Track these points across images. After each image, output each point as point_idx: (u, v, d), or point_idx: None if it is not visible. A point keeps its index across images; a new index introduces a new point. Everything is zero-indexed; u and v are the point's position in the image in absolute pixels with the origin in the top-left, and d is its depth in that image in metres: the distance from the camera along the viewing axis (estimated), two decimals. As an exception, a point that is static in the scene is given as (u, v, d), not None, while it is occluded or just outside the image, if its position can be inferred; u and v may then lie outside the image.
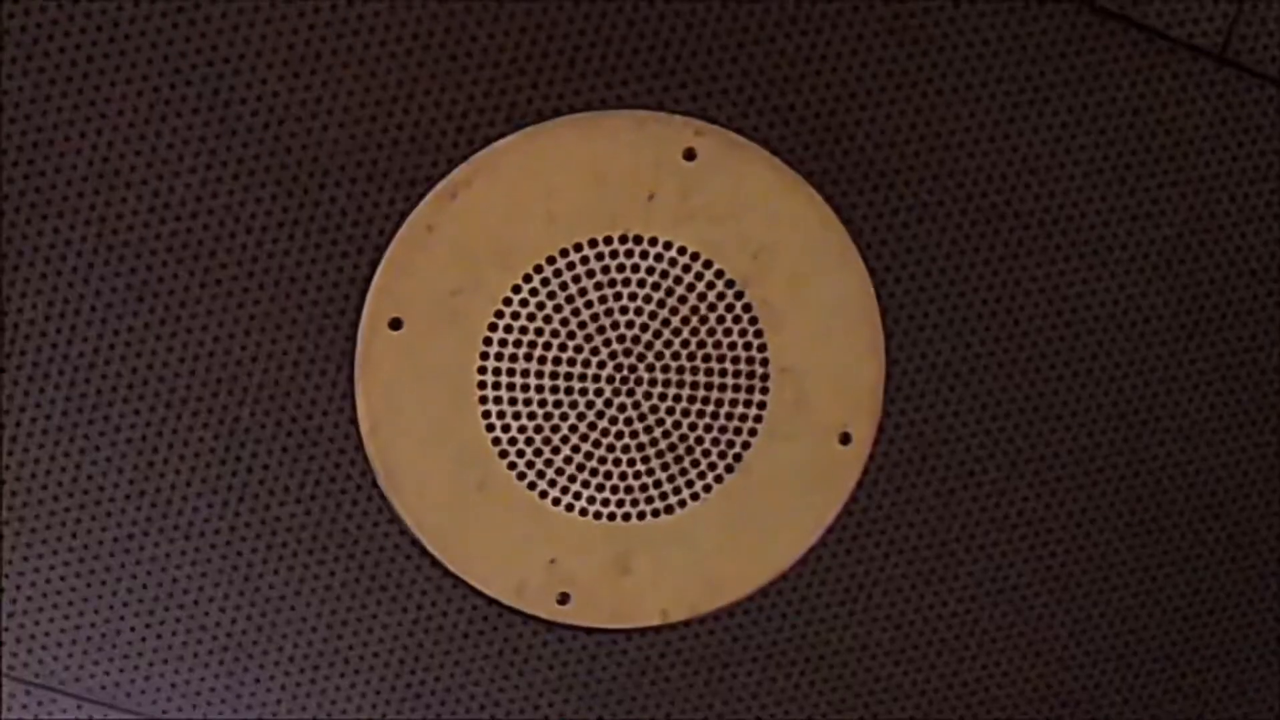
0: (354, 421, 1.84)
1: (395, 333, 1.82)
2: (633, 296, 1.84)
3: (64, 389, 1.79)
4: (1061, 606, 2.00)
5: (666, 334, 1.85)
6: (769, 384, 1.87)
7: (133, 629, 1.87)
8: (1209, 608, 2.02)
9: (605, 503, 1.88)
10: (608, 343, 1.85)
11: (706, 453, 1.88)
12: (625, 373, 1.86)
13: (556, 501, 1.87)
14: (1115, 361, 1.93)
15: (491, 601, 1.90)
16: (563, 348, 1.84)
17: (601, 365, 1.85)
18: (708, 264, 1.84)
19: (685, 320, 1.85)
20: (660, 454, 1.88)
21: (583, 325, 1.84)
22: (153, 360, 1.80)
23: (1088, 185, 1.89)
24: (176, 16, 1.72)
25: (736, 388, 1.87)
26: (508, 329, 1.83)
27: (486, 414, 1.85)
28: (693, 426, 1.87)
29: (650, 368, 1.86)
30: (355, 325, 1.82)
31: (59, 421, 1.80)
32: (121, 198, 1.76)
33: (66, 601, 1.85)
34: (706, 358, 1.86)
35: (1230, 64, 1.88)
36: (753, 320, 1.86)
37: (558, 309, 1.83)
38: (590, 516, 1.88)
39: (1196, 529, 2.00)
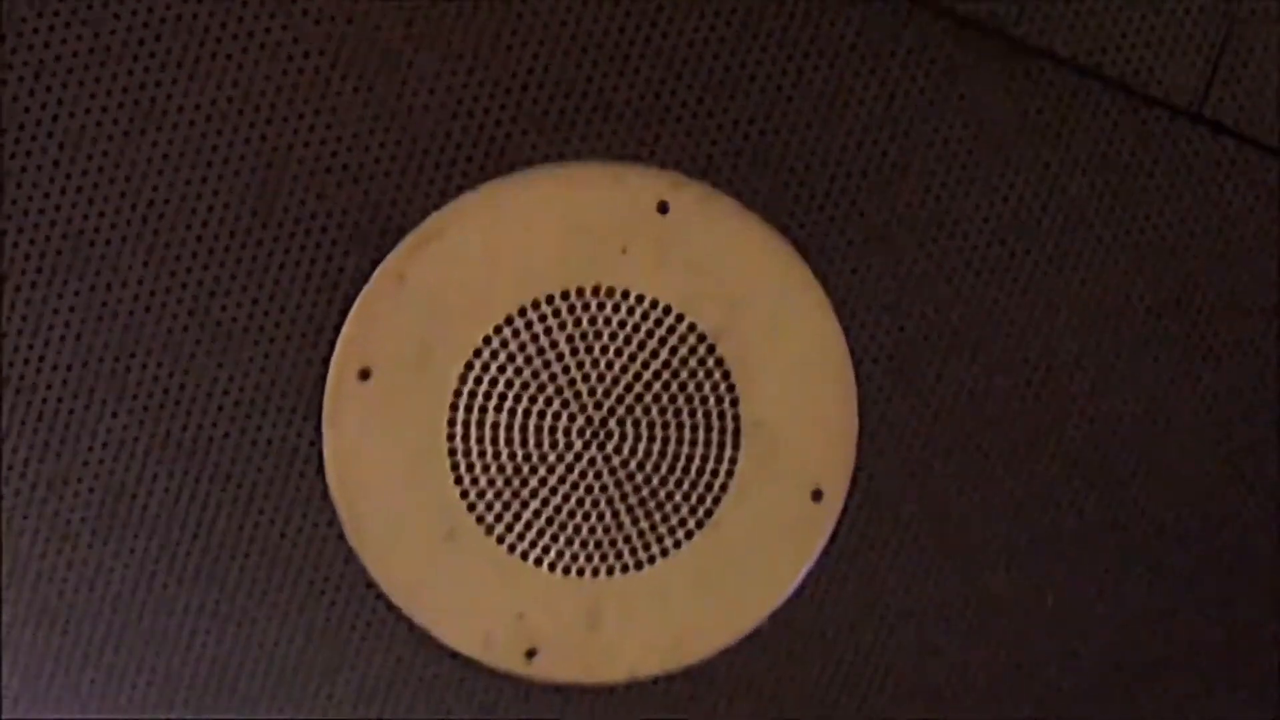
0: (320, 472, 1.82)
1: (364, 383, 1.80)
2: (605, 349, 1.82)
3: (27, 438, 1.77)
4: (1038, 667, 1.98)
5: (638, 387, 1.84)
6: (741, 439, 1.86)
7: (92, 681, 1.84)
8: (1199, 674, 2.01)
9: (574, 557, 1.86)
10: (579, 395, 1.83)
11: (677, 508, 1.86)
12: (596, 426, 1.84)
13: (525, 555, 1.85)
14: (1091, 418, 1.92)
15: (457, 655, 1.87)
16: (533, 400, 1.82)
17: (572, 418, 1.83)
18: (680, 317, 1.83)
19: (657, 374, 1.84)
20: (630, 508, 1.86)
21: (554, 377, 1.82)
22: (118, 407, 1.78)
23: (1064, 241, 1.88)
24: (149, 60, 1.71)
25: (708, 442, 1.86)
26: (478, 380, 1.81)
27: (455, 466, 1.83)
28: (663, 481, 1.86)
29: (621, 421, 1.84)
30: (323, 375, 1.80)
31: (19, 469, 1.77)
32: (89, 241, 1.74)
33: (28, 646, 1.82)
34: (678, 412, 1.85)
35: (1205, 122, 1.87)
36: (725, 374, 1.84)
37: (529, 361, 1.81)
38: (559, 571, 1.86)
39: (1186, 583, 1.98)
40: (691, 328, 1.83)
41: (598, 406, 1.83)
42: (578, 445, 1.84)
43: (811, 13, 1.79)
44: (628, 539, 1.86)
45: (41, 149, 1.71)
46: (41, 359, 1.76)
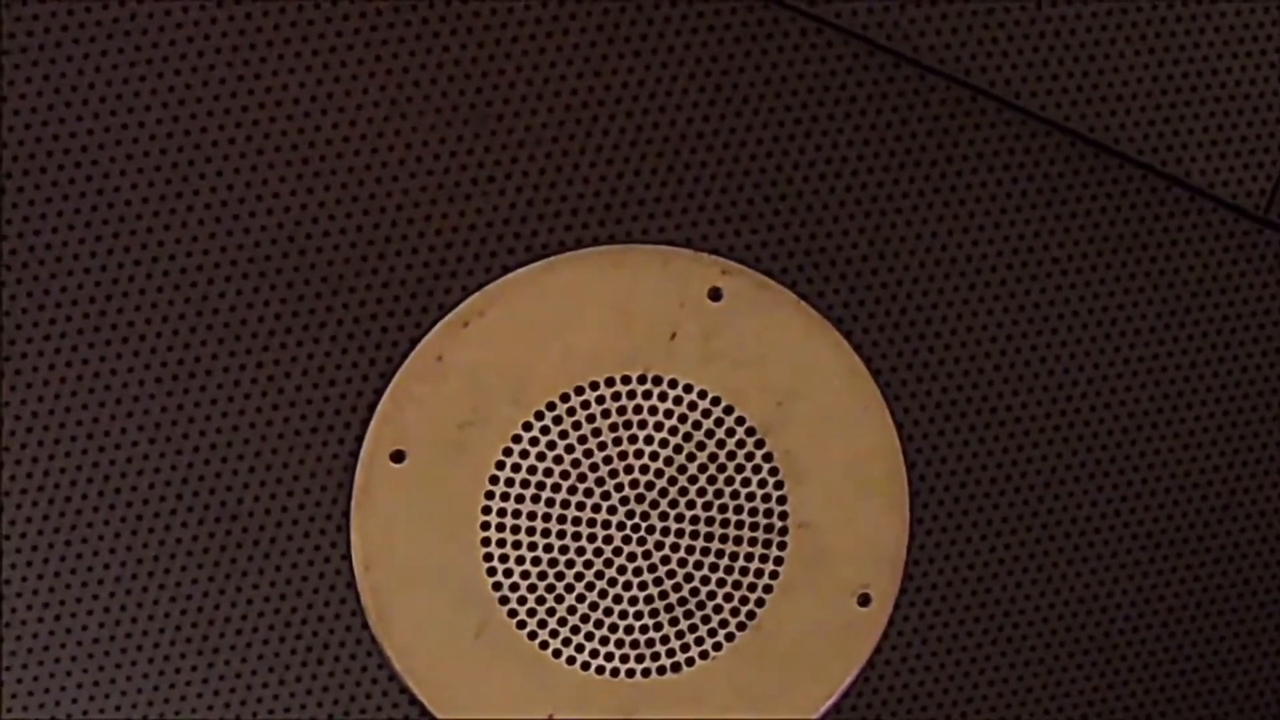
0: (347, 557, 1.74)
1: (397, 465, 1.72)
2: (649, 440, 1.75)
3: (42, 508, 1.69)
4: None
5: (682, 481, 1.76)
6: (787, 539, 1.78)
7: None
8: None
9: (609, 657, 1.77)
10: (620, 487, 1.75)
11: (718, 608, 1.78)
12: (637, 520, 1.76)
13: (558, 653, 1.77)
14: (1148, 530, 1.85)
15: (482, 757, 1.78)
16: (572, 490, 1.75)
17: (612, 511, 1.76)
18: (729, 409, 1.76)
19: (703, 468, 1.76)
20: (669, 608, 1.78)
21: (595, 468, 1.75)
22: (138, 481, 1.70)
23: (1125, 345, 1.82)
24: (190, 122, 1.65)
25: (753, 541, 1.78)
26: (515, 468, 1.74)
27: (488, 556, 1.75)
28: (705, 580, 1.78)
29: (663, 516, 1.76)
30: (355, 455, 1.73)
31: (33, 541, 1.69)
32: (118, 308, 1.67)
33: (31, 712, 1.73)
34: (723, 508, 1.77)
35: (1272, 225, 1.82)
36: (773, 471, 1.77)
37: (569, 449, 1.74)
38: (592, 671, 1.77)
39: (1238, 698, 1.90)
40: (740, 421, 1.76)
41: (639, 499, 1.76)
42: (617, 539, 1.76)
43: (872, 103, 1.74)
44: (665, 640, 1.78)
45: (67, 226, 1.65)
46: (62, 432, 1.68)
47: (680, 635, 1.78)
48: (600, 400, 1.74)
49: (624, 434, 1.75)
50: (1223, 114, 1.80)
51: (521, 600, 1.75)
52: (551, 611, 1.76)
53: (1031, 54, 1.77)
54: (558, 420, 1.74)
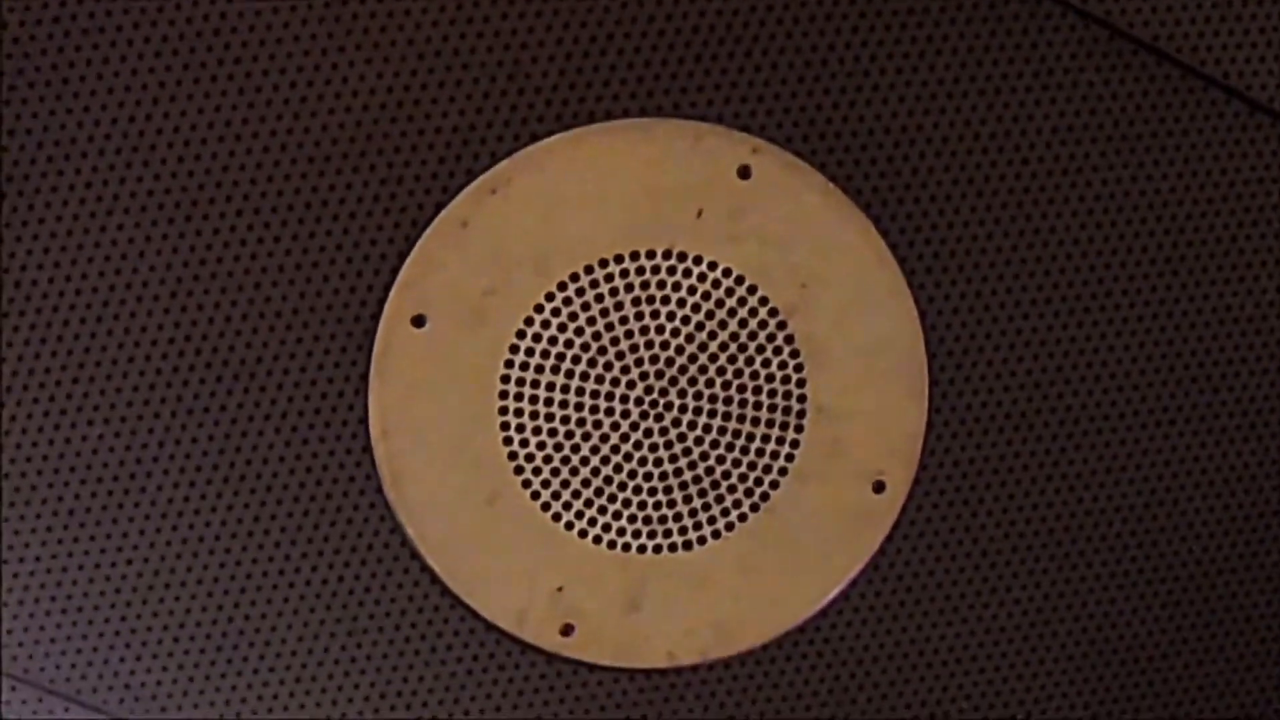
0: (364, 420, 1.74)
1: (418, 330, 1.72)
2: (670, 316, 1.74)
3: (61, 358, 1.68)
4: (1095, 673, 1.89)
5: (702, 359, 1.75)
6: (804, 422, 1.78)
7: (116, 632, 1.75)
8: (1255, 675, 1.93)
9: (620, 531, 1.77)
10: (639, 362, 1.75)
11: (732, 488, 1.78)
12: (655, 395, 1.76)
13: (570, 525, 1.77)
14: (1165, 433, 1.84)
15: (490, 627, 1.78)
16: (592, 363, 1.74)
17: (631, 385, 1.75)
18: (752, 289, 1.75)
19: (723, 347, 1.76)
20: (683, 485, 1.77)
21: (615, 341, 1.74)
22: (158, 336, 1.69)
23: (1152, 245, 1.80)
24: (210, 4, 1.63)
25: (770, 423, 1.77)
26: (536, 338, 1.73)
27: (505, 425, 1.74)
28: (720, 459, 1.77)
29: (682, 393, 1.76)
30: (376, 319, 1.72)
31: (51, 393, 1.69)
32: (138, 175, 1.66)
33: (49, 597, 1.73)
34: (742, 388, 1.76)
35: (1309, 134, 1.81)
36: (794, 353, 1.76)
37: (591, 321, 1.73)
38: (603, 545, 1.77)
39: (1248, 604, 1.91)
40: (763, 301, 1.75)
41: (659, 375, 1.75)
42: (634, 414, 1.76)
43: (913, -16, 1.72)
44: (678, 517, 1.78)
45: (107, 90, 1.63)
46: (83, 283, 1.67)
47: (693, 513, 1.78)
48: (624, 274, 1.73)
49: (646, 309, 1.74)
50: (1265, 16, 1.78)
51: (536, 471, 1.75)
52: (565, 483, 1.76)
53: (1075, -55, 1.74)
54: (580, 292, 1.73)
